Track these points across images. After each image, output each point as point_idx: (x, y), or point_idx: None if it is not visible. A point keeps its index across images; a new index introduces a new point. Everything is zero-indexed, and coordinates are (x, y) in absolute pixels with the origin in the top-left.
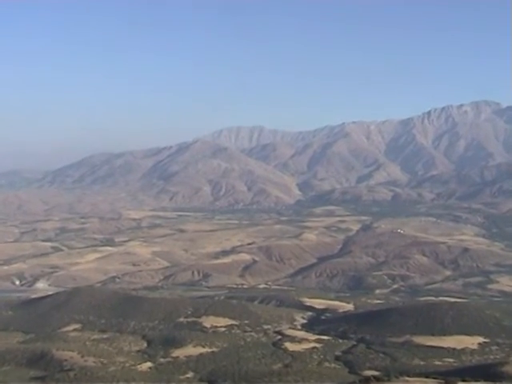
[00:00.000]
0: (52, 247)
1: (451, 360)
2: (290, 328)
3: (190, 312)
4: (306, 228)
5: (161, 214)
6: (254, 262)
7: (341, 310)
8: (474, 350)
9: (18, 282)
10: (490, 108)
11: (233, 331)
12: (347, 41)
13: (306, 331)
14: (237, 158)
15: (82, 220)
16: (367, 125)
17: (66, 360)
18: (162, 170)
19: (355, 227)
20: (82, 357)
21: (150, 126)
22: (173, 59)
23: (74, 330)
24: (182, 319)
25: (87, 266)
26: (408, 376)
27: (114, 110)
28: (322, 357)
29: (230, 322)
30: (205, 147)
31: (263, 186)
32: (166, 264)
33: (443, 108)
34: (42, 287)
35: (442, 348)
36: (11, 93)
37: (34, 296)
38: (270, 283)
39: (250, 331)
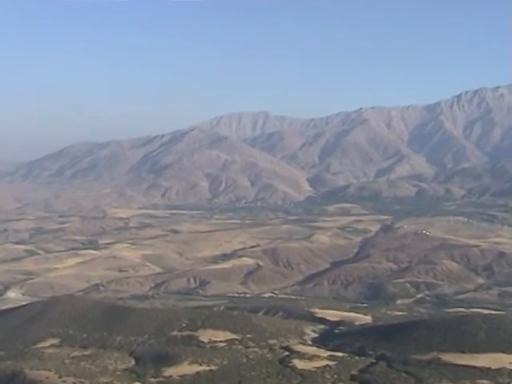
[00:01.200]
0: (26, 251)
1: (485, 381)
2: (299, 343)
3: (184, 324)
4: (317, 229)
5: (151, 212)
6: (258, 267)
7: (357, 323)
8: None
9: None
10: None
11: (234, 347)
12: (364, 17)
13: (318, 347)
14: (238, 148)
15: (61, 219)
16: (388, 110)
17: (41, 381)
18: (152, 161)
19: (374, 228)
20: (60, 377)
21: (140, 111)
22: (166, 35)
23: (51, 345)
24: (175, 333)
25: (67, 272)
26: None
27: (97, 93)
28: (335, 376)
29: (231, 335)
30: (202, 136)
31: (269, 180)
32: (158, 270)
33: (476, 91)
34: (14, 297)
35: (475, 367)
36: None
37: (4, 307)
38: (276, 291)
39: (254, 347)
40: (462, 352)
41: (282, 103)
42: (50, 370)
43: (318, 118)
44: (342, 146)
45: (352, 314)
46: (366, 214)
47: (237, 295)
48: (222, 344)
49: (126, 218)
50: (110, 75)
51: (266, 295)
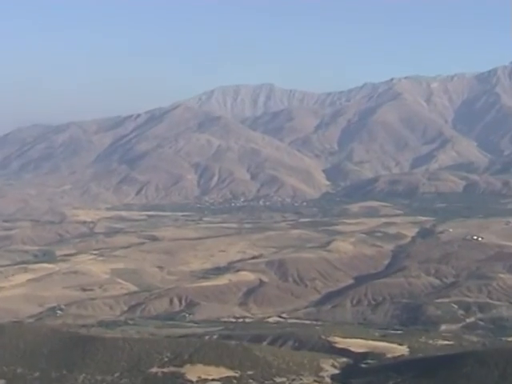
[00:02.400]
0: None
1: None
2: (314, 381)
3: (167, 359)
4: (337, 234)
5: (124, 214)
6: (262, 284)
7: (390, 355)
8: None
9: None
10: None
11: None
12: None
13: None
14: (235, 131)
15: (6, 225)
16: (427, 82)
17: None
18: (125, 149)
19: (410, 232)
20: None
21: (108, 83)
22: None
23: None
24: (155, 369)
25: (14, 292)
26: None
27: (52, 61)
28: None
29: (227, 372)
30: (188, 116)
31: (274, 172)
32: (132, 288)
33: None
34: None
35: None
36: None
37: None
38: (284, 315)
39: None
40: None
41: (291, 74)
42: None
43: (337, 92)
44: (367, 128)
45: (382, 344)
46: (399, 215)
47: (234, 320)
48: (216, 383)
49: (91, 222)
50: (72, 42)
51: (272, 320)
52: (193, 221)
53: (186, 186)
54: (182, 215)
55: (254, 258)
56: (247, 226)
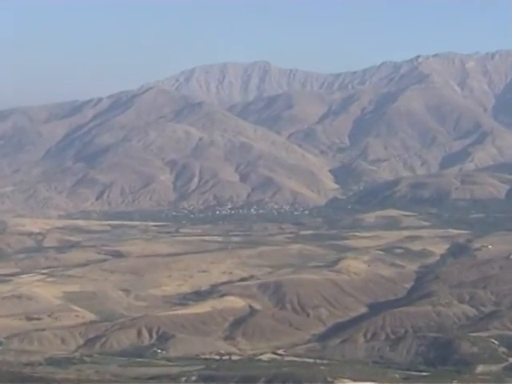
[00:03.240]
0: None
1: None
2: None
3: None
4: (347, 250)
5: (81, 223)
6: (253, 312)
7: None
8: None
9: None
10: None
11: None
12: None
13: None
14: (221, 120)
15: None
16: (462, 60)
17: None
18: (82, 142)
19: (439, 249)
20: None
21: (62, 62)
22: None
23: None
24: None
25: None
26: None
27: None
28: None
29: None
30: (162, 101)
31: (269, 172)
32: (90, 316)
33: None
34: None
35: None
36: None
37: None
38: (281, 351)
39: None
40: None
41: (291, 50)
42: None
43: (349, 73)
44: (386, 118)
45: None
46: (425, 227)
47: (218, 357)
48: None
49: (39, 234)
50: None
51: (265, 357)
52: (167, 233)
53: (159, 190)
54: (154, 225)
55: (243, 279)
56: (235, 239)
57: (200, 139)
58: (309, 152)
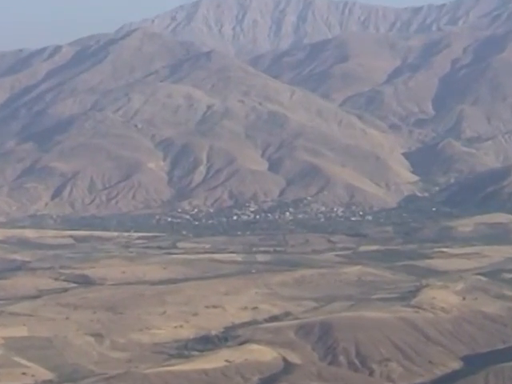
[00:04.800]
0: None
1: None
2: None
3: None
4: (431, 275)
5: (29, 234)
6: (288, 367)
7: None
8: None
9: None
10: None
11: None
12: None
13: None
14: (240, 79)
15: None
16: None
17: None
18: (32, 112)
19: None
20: None
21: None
22: None
23: None
24: None
25: None
26: None
27: None
28: None
29: None
30: (151, 50)
31: (313, 158)
32: (44, 374)
33: None
34: None
35: None
36: None
37: None
38: None
39: None
40: None
41: None
42: None
43: (434, 7)
44: (491, 75)
45: None
46: None
47: None
48: None
49: None
50: None
51: None
52: (159, 248)
53: (147, 184)
54: (140, 237)
55: (273, 318)
56: (261, 258)
57: (209, 108)
58: (372, 127)
